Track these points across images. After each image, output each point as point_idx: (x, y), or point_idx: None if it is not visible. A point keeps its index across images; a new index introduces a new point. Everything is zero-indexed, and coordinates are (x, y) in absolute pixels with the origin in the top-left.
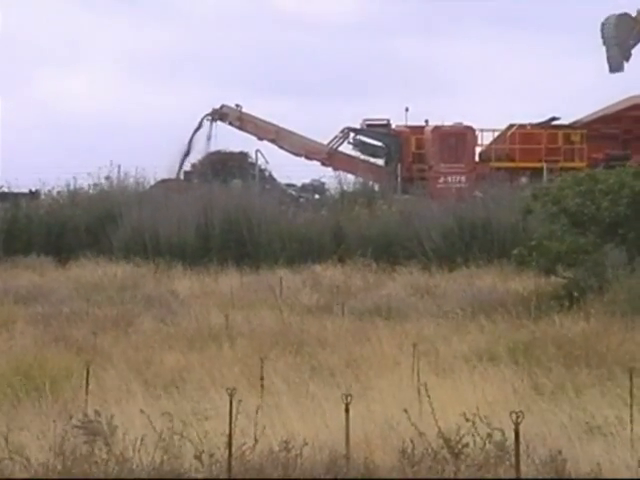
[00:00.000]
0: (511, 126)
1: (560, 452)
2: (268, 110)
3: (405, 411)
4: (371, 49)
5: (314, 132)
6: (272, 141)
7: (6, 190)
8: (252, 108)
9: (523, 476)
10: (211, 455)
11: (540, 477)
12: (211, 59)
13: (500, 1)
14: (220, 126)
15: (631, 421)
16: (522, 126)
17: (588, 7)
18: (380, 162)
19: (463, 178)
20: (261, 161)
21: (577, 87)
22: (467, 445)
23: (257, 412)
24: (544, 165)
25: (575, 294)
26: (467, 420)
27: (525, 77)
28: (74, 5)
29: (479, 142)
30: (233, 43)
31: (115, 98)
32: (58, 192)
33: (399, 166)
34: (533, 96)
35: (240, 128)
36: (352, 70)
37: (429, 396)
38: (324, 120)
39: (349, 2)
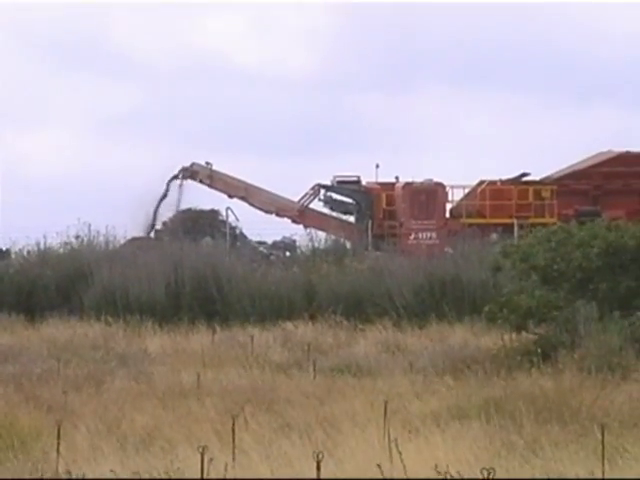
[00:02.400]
0: (481, 182)
1: None
2: (236, 167)
3: (378, 466)
4: (334, 105)
5: (284, 189)
6: (242, 198)
7: None
8: (220, 165)
9: None
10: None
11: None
12: (176, 116)
13: (457, 60)
14: (190, 184)
15: (603, 476)
16: (492, 182)
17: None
18: (351, 219)
19: (434, 234)
20: (232, 219)
21: (546, 143)
22: None
23: (228, 469)
24: (515, 221)
25: (546, 350)
26: (439, 474)
27: (492, 133)
28: (36, 65)
29: (450, 198)
30: (197, 100)
31: (81, 156)
32: (28, 251)
33: (370, 223)
34: (501, 152)
35: (210, 186)
36: (318, 127)
37: (400, 452)
38: (293, 177)
39: (309, 59)
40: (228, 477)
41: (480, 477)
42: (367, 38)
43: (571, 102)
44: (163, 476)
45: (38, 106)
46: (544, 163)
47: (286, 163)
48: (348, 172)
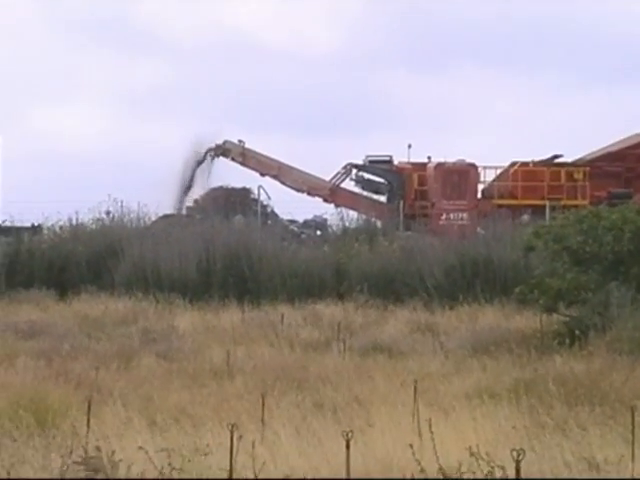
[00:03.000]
0: (514, 163)
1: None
2: (267, 146)
3: (410, 446)
4: (363, 83)
5: (316, 168)
6: (274, 177)
7: (9, 224)
8: (251, 144)
9: None
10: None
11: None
12: (205, 94)
13: (485, 39)
14: (222, 161)
15: (632, 460)
16: (525, 164)
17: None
18: (382, 199)
19: (465, 215)
20: (263, 197)
21: (580, 124)
22: None
23: (257, 447)
24: (546, 203)
25: (577, 332)
26: (470, 454)
27: (524, 114)
28: (66, 42)
29: (482, 179)
30: (225, 78)
31: (112, 133)
32: (60, 227)
33: (401, 203)
34: (533, 134)
35: (242, 164)
36: (349, 105)
37: (432, 432)
38: (325, 156)
39: (335, 35)
40: (257, 456)
41: (510, 458)
42: (392, 17)
43: (603, 82)
44: (192, 453)
45: (67, 81)
46: (577, 145)
47: (318, 142)
48: (380, 152)
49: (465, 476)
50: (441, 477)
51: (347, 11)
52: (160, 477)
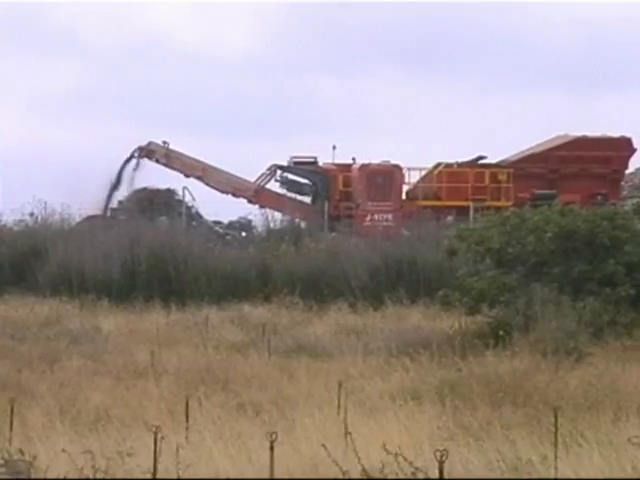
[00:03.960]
0: (438, 165)
1: None
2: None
3: (323, 446)
4: (285, 87)
5: (241, 170)
6: (199, 178)
7: None
8: (174, 145)
9: None
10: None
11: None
12: (126, 95)
13: (406, 44)
14: (146, 163)
15: (556, 460)
16: (449, 165)
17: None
18: (307, 200)
19: (390, 216)
20: (188, 198)
21: (503, 126)
22: None
23: (180, 450)
24: (471, 204)
25: (501, 333)
26: (393, 454)
27: (448, 116)
28: None
29: (406, 180)
30: (147, 80)
31: (32, 135)
32: None
33: (326, 204)
34: (459, 135)
35: (167, 165)
36: (271, 108)
37: (350, 433)
38: (250, 158)
39: (255, 40)
40: (181, 457)
41: (434, 458)
42: (312, 23)
43: (526, 85)
44: (115, 455)
45: None
46: (501, 147)
47: (242, 144)
48: (305, 153)
49: (388, 477)
50: (364, 477)
51: (266, 16)
52: (84, 477)
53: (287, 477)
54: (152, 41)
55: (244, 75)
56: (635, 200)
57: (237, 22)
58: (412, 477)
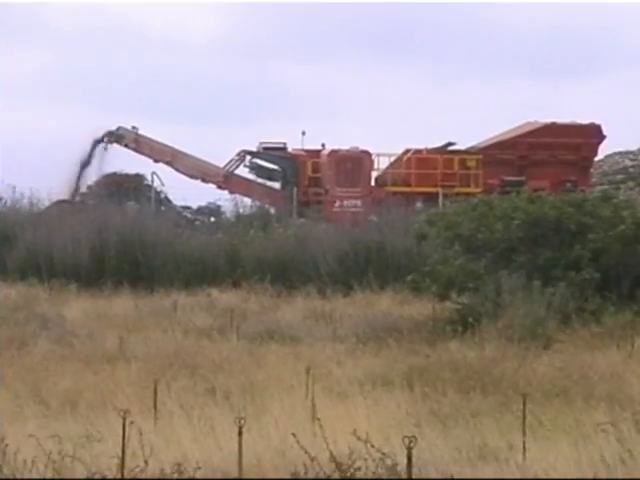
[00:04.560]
0: (407, 151)
1: (452, 477)
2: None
3: (293, 435)
4: (252, 72)
5: (210, 155)
6: (168, 163)
7: None
8: (143, 130)
9: None
10: (103, 477)
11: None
12: (91, 79)
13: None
14: (115, 148)
15: (524, 447)
16: (418, 151)
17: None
18: (276, 185)
19: (359, 202)
20: (157, 183)
21: (472, 113)
22: (359, 469)
23: (149, 433)
24: (440, 190)
25: (470, 319)
26: (361, 440)
27: (416, 102)
28: None
29: (375, 166)
30: (112, 64)
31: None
32: None
33: (295, 190)
34: (428, 122)
35: (136, 150)
36: (238, 93)
37: (318, 419)
38: (218, 144)
39: (220, 24)
40: (149, 442)
41: (402, 445)
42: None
43: (496, 72)
44: (83, 439)
45: None
46: (470, 133)
47: (209, 129)
48: (274, 139)
49: (357, 463)
50: (333, 465)
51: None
52: (51, 463)
53: (255, 462)
54: (118, 25)
55: (212, 60)
56: (604, 187)
57: (204, 6)
58: (380, 463)
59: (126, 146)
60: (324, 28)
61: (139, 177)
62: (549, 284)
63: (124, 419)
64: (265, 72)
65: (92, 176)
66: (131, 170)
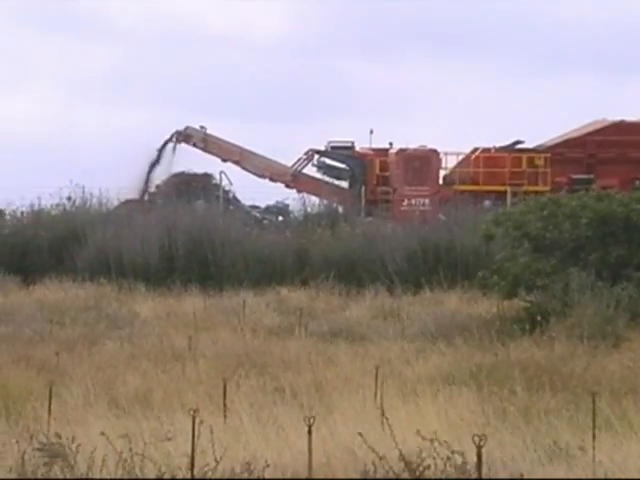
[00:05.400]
0: (475, 149)
1: (522, 476)
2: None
3: (360, 434)
4: (319, 70)
5: (277, 154)
6: (236, 163)
7: None
8: (211, 130)
9: None
10: (173, 476)
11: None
12: (160, 80)
13: (440, 27)
14: (184, 147)
15: (593, 446)
16: (486, 149)
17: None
18: (344, 184)
19: (427, 201)
20: (225, 182)
21: (539, 110)
22: (428, 468)
23: (219, 432)
24: (508, 188)
25: (538, 318)
26: (430, 441)
27: (482, 100)
28: (13, 26)
29: (443, 165)
30: (180, 65)
31: (69, 119)
32: (22, 212)
33: (363, 188)
34: (495, 119)
35: (204, 149)
36: (305, 92)
37: (387, 418)
38: (285, 142)
39: (285, 22)
40: (219, 441)
41: (472, 444)
42: (340, 3)
43: (560, 69)
44: (153, 438)
45: (17, 68)
46: (537, 131)
47: (277, 128)
48: (342, 138)
49: (426, 462)
50: (402, 464)
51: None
52: (121, 462)
53: (325, 462)
54: (183, 25)
55: (278, 59)
56: None
57: (268, 4)
58: (449, 462)
59: (194, 145)
60: (389, 26)
61: (207, 176)
62: (618, 282)
63: (194, 418)
64: (332, 71)
65: (161, 175)
66: (199, 169)
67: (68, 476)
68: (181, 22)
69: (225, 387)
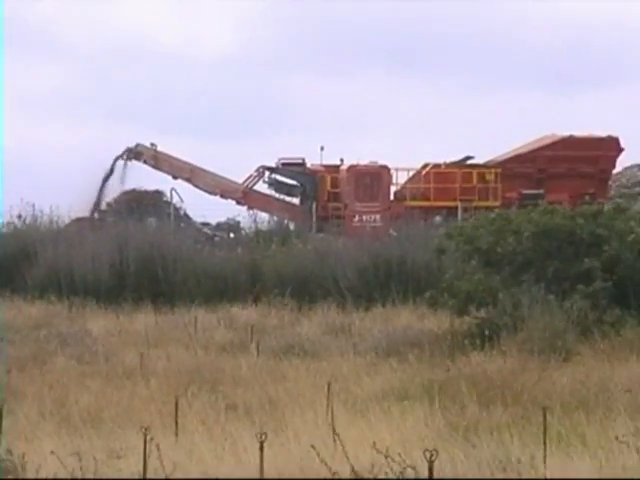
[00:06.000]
0: (426, 165)
1: None
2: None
3: (312, 447)
4: (267, 86)
5: (228, 171)
6: (187, 180)
7: None
8: (161, 147)
9: None
10: None
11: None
12: (106, 97)
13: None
14: (134, 164)
15: (544, 460)
16: (437, 165)
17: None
18: (295, 201)
19: (378, 217)
20: (176, 200)
21: (487, 127)
22: None
23: (171, 450)
24: (459, 204)
25: (489, 333)
26: (382, 455)
27: (432, 117)
28: None
29: (394, 181)
30: (126, 80)
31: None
32: None
33: (314, 205)
34: (444, 136)
35: (155, 167)
36: (254, 108)
37: (337, 434)
38: (235, 159)
39: (234, 38)
40: (170, 458)
41: (423, 458)
42: (290, 20)
43: (508, 86)
44: (105, 456)
45: None
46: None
47: (226, 144)
48: (293, 154)
49: (378, 477)
50: (354, 478)
51: (247, 14)
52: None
53: (277, 477)
54: (132, 41)
55: (226, 75)
56: (621, 199)
57: (217, 21)
58: (401, 477)
59: (145, 162)
60: (338, 42)
61: (158, 193)
62: (568, 296)
63: (145, 435)
64: (282, 86)
65: (112, 193)
66: (150, 187)
67: None
68: (130, 38)
69: (177, 404)
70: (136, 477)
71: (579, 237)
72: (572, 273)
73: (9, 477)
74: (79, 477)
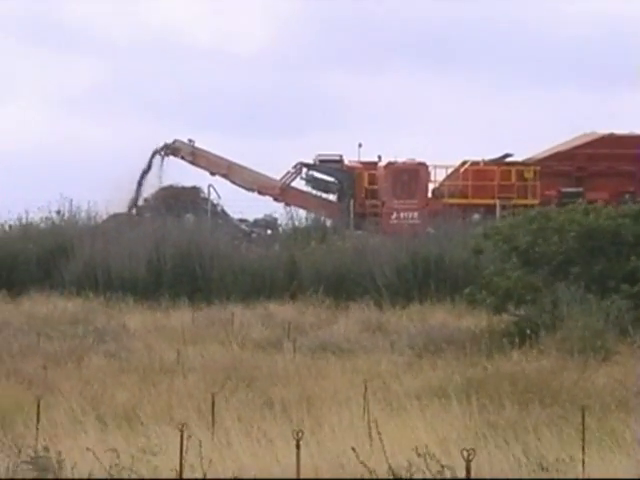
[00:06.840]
0: (464, 162)
1: None
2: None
3: (353, 449)
4: (302, 83)
5: (266, 168)
6: (224, 176)
7: None
8: (199, 143)
9: None
10: None
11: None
12: (144, 92)
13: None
14: (172, 160)
15: (583, 460)
16: (475, 163)
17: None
18: (333, 198)
19: (416, 214)
20: (213, 196)
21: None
22: None
23: (207, 446)
24: (497, 202)
25: (527, 331)
26: (419, 455)
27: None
28: None
29: (432, 178)
30: (164, 77)
31: (54, 132)
32: (10, 225)
33: (352, 202)
34: (485, 133)
35: (192, 163)
36: (290, 104)
37: (379, 433)
38: (272, 155)
39: (258, 32)
40: (207, 455)
41: (461, 458)
42: (324, 16)
43: (547, 82)
44: (141, 453)
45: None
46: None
47: (267, 141)
48: (330, 151)
49: (415, 476)
50: (391, 477)
51: (283, 11)
52: (109, 477)
53: (313, 476)
54: (168, 38)
55: (262, 71)
56: None
57: (253, 17)
58: (439, 476)
59: (182, 159)
60: (376, 39)
61: (196, 190)
62: (606, 296)
63: (182, 432)
64: (317, 84)
65: (149, 189)
66: (188, 183)
67: None
68: (165, 35)
69: (213, 401)
70: (173, 474)
71: (622, 237)
72: (614, 273)
73: (47, 475)
74: (115, 475)
